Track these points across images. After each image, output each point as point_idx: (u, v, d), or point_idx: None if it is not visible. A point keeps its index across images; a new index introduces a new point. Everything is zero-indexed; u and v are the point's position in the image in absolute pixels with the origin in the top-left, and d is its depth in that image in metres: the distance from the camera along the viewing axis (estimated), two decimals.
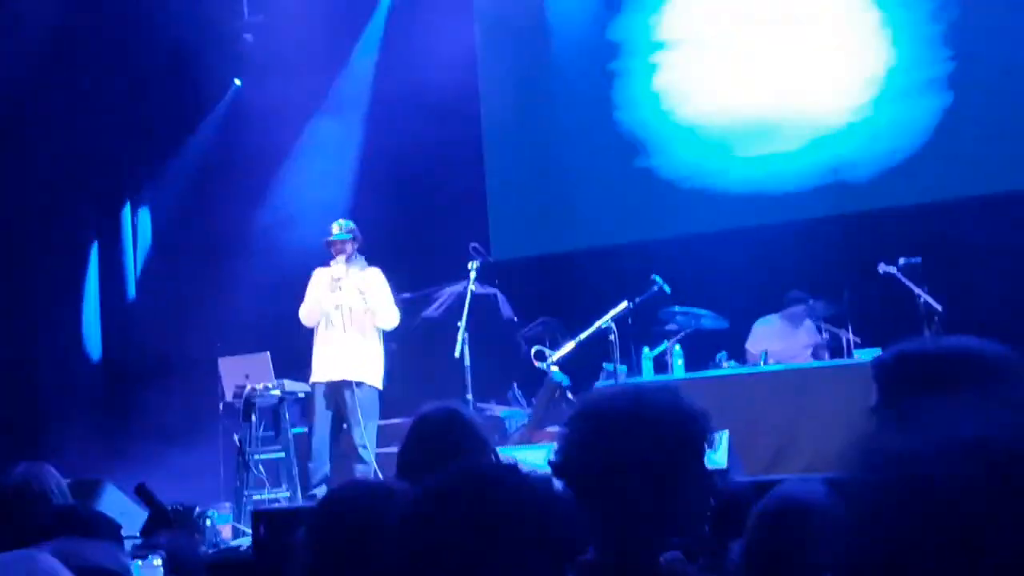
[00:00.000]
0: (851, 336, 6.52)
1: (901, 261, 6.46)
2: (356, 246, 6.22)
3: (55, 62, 8.47)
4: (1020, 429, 0.70)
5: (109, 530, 2.38)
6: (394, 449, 6.15)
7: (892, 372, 1.74)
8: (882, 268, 6.49)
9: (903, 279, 6.43)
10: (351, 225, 6.25)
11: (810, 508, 1.83)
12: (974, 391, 0.77)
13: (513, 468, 1.43)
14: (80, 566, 1.69)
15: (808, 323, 7.03)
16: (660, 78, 8.48)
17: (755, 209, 8.01)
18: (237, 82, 9.19)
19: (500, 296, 7.94)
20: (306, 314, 6.19)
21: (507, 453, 4.93)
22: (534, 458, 4.53)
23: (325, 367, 6.08)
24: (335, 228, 6.21)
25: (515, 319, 7.96)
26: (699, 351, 6.86)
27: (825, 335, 6.86)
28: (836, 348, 6.74)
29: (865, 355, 5.98)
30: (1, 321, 8.54)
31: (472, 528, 1.26)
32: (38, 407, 8.30)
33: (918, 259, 6.42)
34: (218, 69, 9.01)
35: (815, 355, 6.85)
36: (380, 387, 6.21)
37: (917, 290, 6.36)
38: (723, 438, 4.36)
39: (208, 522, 5.14)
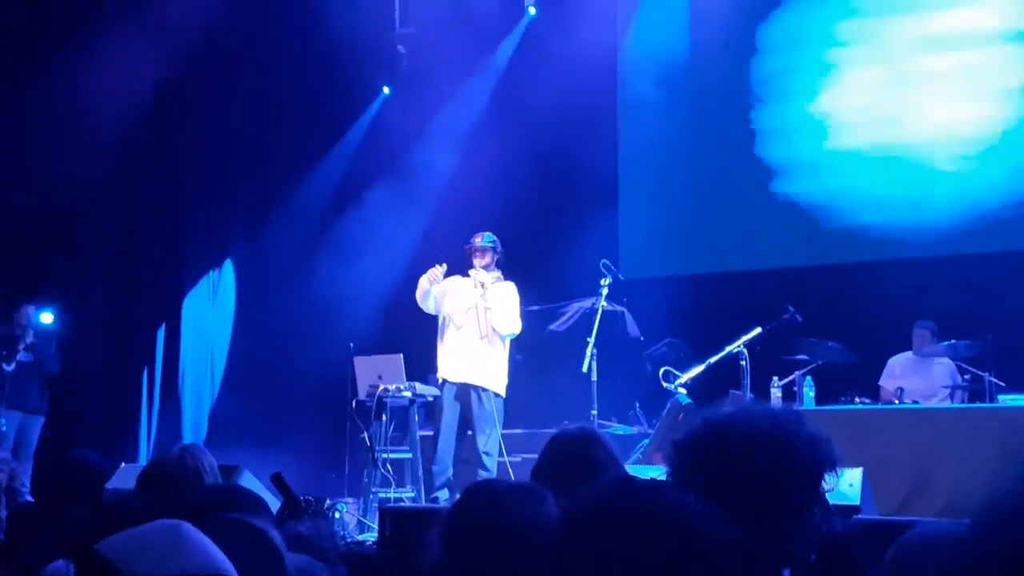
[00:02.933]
0: (994, 380, 6.25)
1: None
2: (496, 258, 6.34)
3: (208, 65, 8.92)
4: None
5: (263, 509, 2.50)
6: (516, 458, 6.26)
7: None
8: None
9: None
10: (493, 238, 6.37)
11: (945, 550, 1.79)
12: None
13: (665, 485, 1.43)
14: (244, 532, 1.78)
15: (946, 362, 6.77)
16: (803, 103, 8.33)
17: (897, 242, 7.78)
18: (386, 90, 9.48)
19: (628, 315, 7.93)
20: (418, 293, 6.28)
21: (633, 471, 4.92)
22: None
23: (452, 368, 6.20)
24: (479, 237, 6.34)
25: (641, 338, 7.93)
26: (828, 384, 6.69)
27: (967, 376, 6.60)
28: (978, 391, 6.47)
29: (1010, 400, 5.72)
30: (149, 313, 9.04)
31: (632, 546, 1.27)
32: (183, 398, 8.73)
33: None
34: (368, 77, 9.32)
35: (952, 396, 6.59)
36: (504, 395, 6.29)
37: None
38: (858, 475, 4.25)
39: (337, 515, 5.30)
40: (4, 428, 7.64)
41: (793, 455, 1.67)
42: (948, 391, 6.66)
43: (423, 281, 6.28)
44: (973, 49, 7.83)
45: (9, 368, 7.78)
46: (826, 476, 1.70)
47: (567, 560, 1.30)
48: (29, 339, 7.81)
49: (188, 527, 1.44)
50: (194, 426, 8.55)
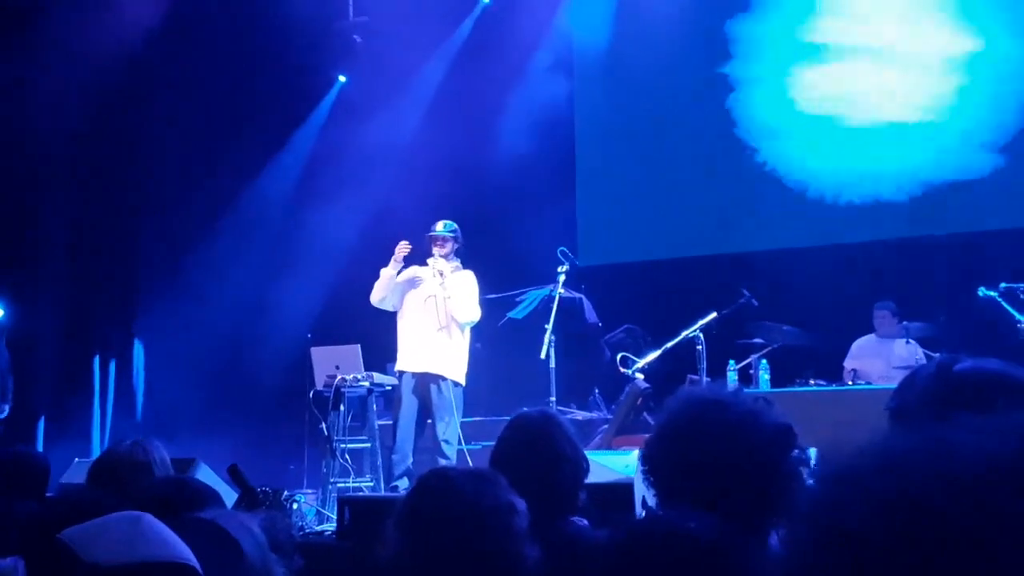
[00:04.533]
0: None
1: (1003, 286, 6.29)
2: (455, 247, 6.33)
3: (160, 58, 8.78)
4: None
5: (216, 501, 2.48)
6: (475, 446, 6.27)
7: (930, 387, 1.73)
8: (982, 291, 6.32)
9: (1004, 304, 6.26)
10: (454, 226, 6.35)
11: None
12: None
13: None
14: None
15: (907, 343, 6.88)
16: (761, 90, 8.40)
17: (852, 225, 7.89)
18: (342, 79, 9.40)
19: (586, 301, 7.96)
20: (375, 289, 6.22)
21: (592, 457, 4.94)
22: (614, 463, 4.54)
23: (411, 358, 6.19)
24: (439, 225, 6.31)
25: (599, 325, 7.97)
26: (785, 367, 6.78)
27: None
28: None
29: None
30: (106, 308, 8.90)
31: None
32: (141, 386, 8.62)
33: (1021, 285, 6.24)
34: (324, 66, 9.24)
35: None
36: (463, 383, 6.29)
37: (1019, 316, 6.19)
38: (812, 455, 4.30)
39: (295, 506, 5.28)
40: None
41: (759, 439, 1.71)
42: (907, 371, 6.74)
43: (385, 272, 6.23)
44: (929, 34, 7.94)
45: None
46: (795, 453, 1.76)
47: None
48: None
49: (150, 518, 1.44)
50: (150, 419, 8.45)
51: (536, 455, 2.52)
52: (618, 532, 1.47)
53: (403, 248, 6.19)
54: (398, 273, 6.26)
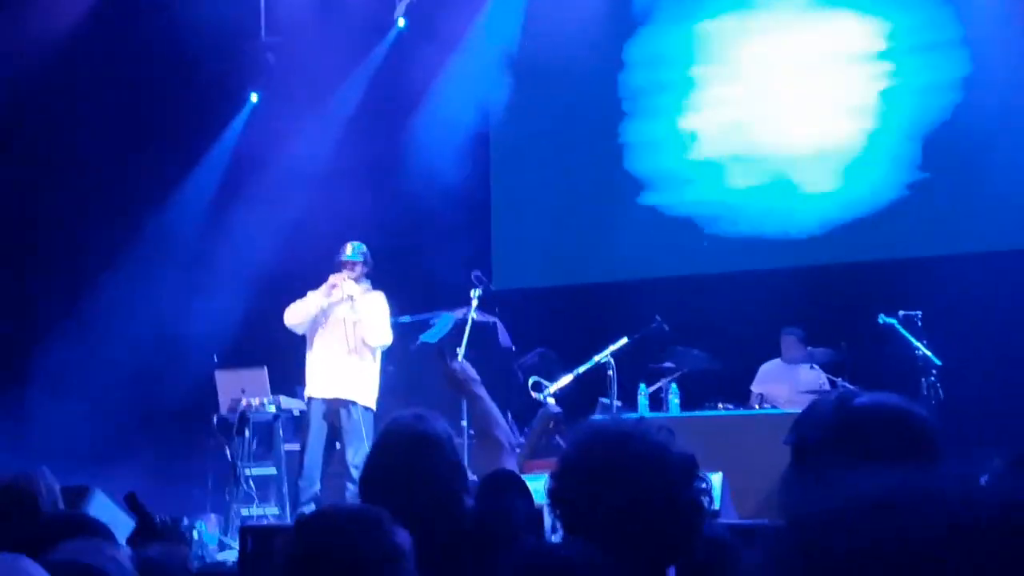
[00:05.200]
0: (848, 386, 6.52)
1: (901, 313, 6.49)
2: (365, 270, 6.26)
3: (61, 72, 8.49)
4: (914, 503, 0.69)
5: (106, 536, 2.37)
6: None
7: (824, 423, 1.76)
8: (882, 319, 6.51)
9: (902, 331, 6.45)
10: (363, 248, 6.29)
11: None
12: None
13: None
14: (80, 564, 1.69)
15: (811, 368, 7.04)
16: (670, 118, 8.55)
17: (759, 253, 8.06)
18: (254, 98, 9.25)
19: (499, 325, 7.95)
20: (295, 310, 6.12)
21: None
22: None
23: (320, 383, 6.09)
24: (348, 249, 6.24)
25: (513, 348, 7.96)
26: (695, 391, 6.87)
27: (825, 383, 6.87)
28: None
29: None
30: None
31: None
32: (31, 410, 8.27)
33: (918, 312, 6.45)
34: (235, 84, 9.08)
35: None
36: (374, 408, 6.21)
37: (916, 342, 6.39)
38: (718, 480, 4.36)
39: (195, 534, 5.12)
40: None
41: (668, 474, 1.71)
42: (812, 396, 6.89)
43: (316, 298, 6.10)
44: (828, 68, 8.19)
45: None
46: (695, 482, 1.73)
47: None
48: None
49: (27, 561, 1.40)
50: (43, 444, 8.10)
51: (406, 475, 2.39)
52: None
53: (340, 278, 6.09)
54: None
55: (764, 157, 8.24)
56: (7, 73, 7.90)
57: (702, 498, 1.81)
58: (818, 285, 7.73)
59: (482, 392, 2.97)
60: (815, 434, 1.74)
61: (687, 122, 8.51)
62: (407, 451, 2.43)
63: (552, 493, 1.80)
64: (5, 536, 2.50)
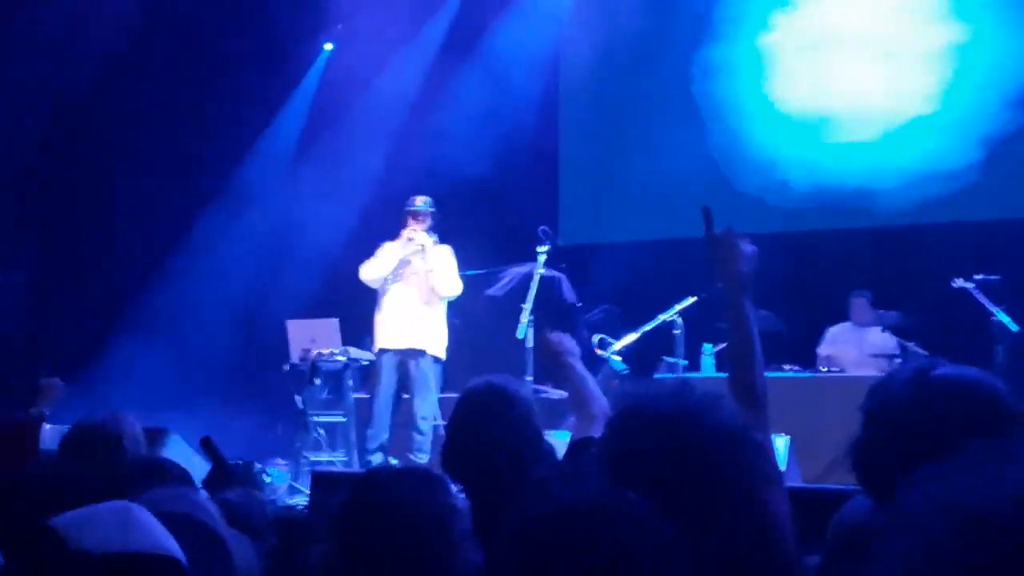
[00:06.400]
0: (918, 350, 6.42)
1: (978, 277, 6.33)
2: (432, 223, 6.31)
3: (135, 32, 8.60)
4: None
5: (187, 481, 2.47)
6: None
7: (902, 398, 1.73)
8: (957, 283, 6.37)
9: (978, 296, 6.30)
10: (432, 202, 6.34)
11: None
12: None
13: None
14: (169, 512, 1.76)
15: (881, 331, 6.93)
16: (745, 76, 8.39)
17: (830, 213, 7.91)
18: (328, 47, 9.28)
19: (565, 280, 7.95)
20: (373, 266, 6.21)
21: (560, 437, 4.95)
22: None
23: (391, 334, 6.18)
24: (418, 200, 6.29)
25: (578, 304, 7.97)
26: (762, 351, 6.80)
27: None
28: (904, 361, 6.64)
29: None
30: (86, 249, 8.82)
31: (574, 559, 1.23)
32: (115, 357, 8.56)
33: (996, 277, 6.28)
34: (310, 34, 9.14)
35: (888, 364, 6.69)
36: (443, 358, 6.29)
37: (992, 308, 6.24)
38: (784, 443, 4.34)
39: (267, 479, 5.27)
40: None
41: (723, 446, 1.67)
42: (882, 360, 6.77)
43: (394, 250, 6.17)
44: (906, 22, 7.94)
45: None
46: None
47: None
48: None
49: (139, 508, 1.47)
50: (124, 386, 8.40)
51: (486, 432, 2.44)
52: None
53: (413, 230, 6.16)
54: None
55: (837, 115, 8.05)
56: (89, 36, 8.05)
57: (755, 459, 1.74)
58: (890, 247, 7.57)
59: (578, 365, 2.96)
60: (891, 403, 1.73)
61: (761, 79, 8.34)
62: (487, 418, 2.48)
63: (601, 456, 1.78)
64: (94, 476, 2.61)
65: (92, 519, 1.40)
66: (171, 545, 1.41)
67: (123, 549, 1.35)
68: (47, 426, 6.15)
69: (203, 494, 2.46)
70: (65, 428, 4.47)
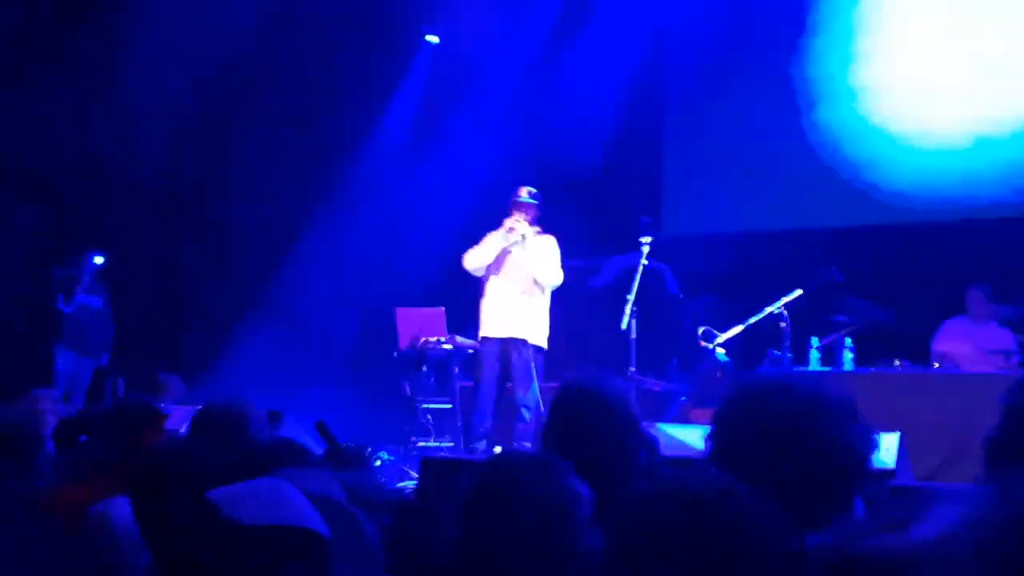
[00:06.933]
0: None
1: None
2: (537, 214, 6.38)
3: (245, 39, 8.83)
4: None
5: (315, 463, 2.58)
6: None
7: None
8: None
9: None
10: (537, 193, 6.41)
11: None
12: None
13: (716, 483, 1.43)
14: (306, 490, 1.87)
15: (999, 327, 6.70)
16: (853, 65, 8.20)
17: (943, 204, 7.69)
18: (434, 39, 9.40)
19: (668, 272, 7.93)
20: (475, 255, 6.31)
21: (664, 429, 4.96)
22: (690, 437, 4.55)
23: (495, 323, 6.27)
24: (523, 192, 6.37)
25: (681, 296, 7.94)
26: (871, 346, 6.67)
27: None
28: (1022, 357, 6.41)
29: None
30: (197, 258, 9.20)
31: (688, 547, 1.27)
32: (227, 340, 8.91)
33: None
34: (413, 27, 9.29)
35: (1008, 361, 6.47)
36: (545, 347, 6.36)
37: None
38: (895, 440, 4.27)
39: (378, 462, 5.43)
40: (61, 368, 7.88)
41: (835, 444, 1.66)
42: (999, 356, 6.56)
43: (495, 242, 6.27)
44: (1013, 16, 7.64)
45: (68, 310, 8.00)
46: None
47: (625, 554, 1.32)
48: (87, 282, 8.04)
49: (288, 486, 1.58)
50: (236, 370, 8.74)
51: (582, 426, 2.44)
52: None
53: (515, 220, 6.25)
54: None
55: (948, 99, 7.79)
56: (201, 43, 8.38)
57: (863, 445, 1.73)
58: (1010, 238, 7.29)
59: None
60: None
61: (867, 65, 8.13)
62: (584, 410, 2.50)
63: (710, 443, 1.79)
64: (223, 456, 2.76)
65: (246, 494, 1.50)
66: (317, 520, 1.50)
67: (275, 522, 1.44)
68: (171, 407, 6.46)
69: (329, 474, 2.57)
70: (192, 410, 4.70)
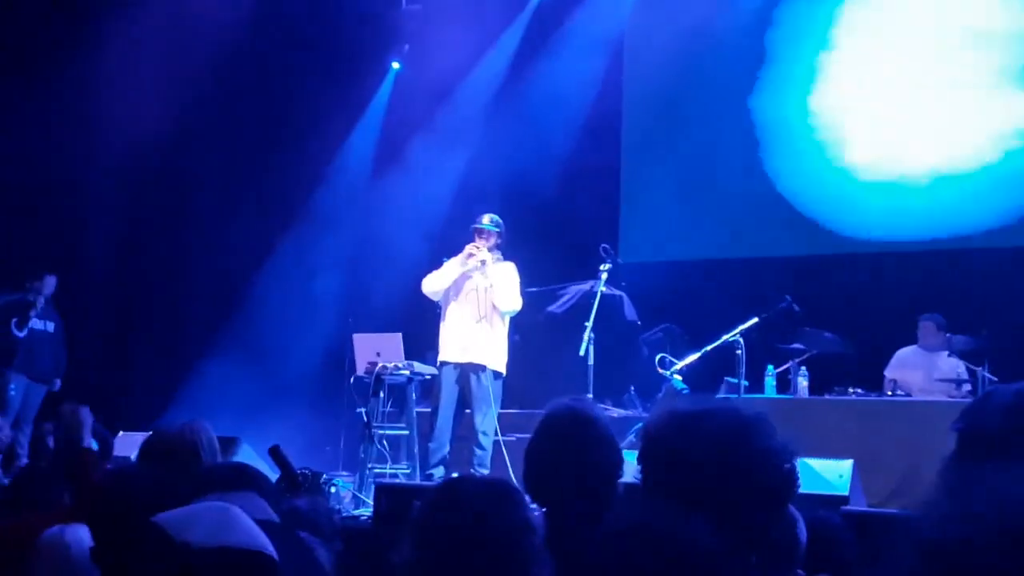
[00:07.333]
0: (987, 375, 6.30)
1: None
2: (498, 242, 6.39)
3: (211, 66, 8.82)
4: None
5: (269, 489, 2.55)
6: (511, 437, 6.32)
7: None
8: None
9: None
10: (499, 220, 6.42)
11: None
12: None
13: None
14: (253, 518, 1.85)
15: (948, 356, 6.81)
16: (808, 97, 8.35)
17: (896, 233, 7.82)
18: (395, 66, 9.44)
19: (626, 299, 7.98)
20: (434, 279, 6.29)
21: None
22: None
23: (454, 348, 6.26)
24: (485, 219, 6.38)
25: (638, 323, 7.98)
26: (825, 374, 6.75)
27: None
28: (972, 386, 6.52)
29: None
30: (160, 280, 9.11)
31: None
32: (183, 366, 8.80)
33: None
34: (377, 53, 9.31)
35: (959, 390, 6.56)
36: (504, 373, 6.36)
37: None
38: (848, 466, 4.32)
39: (333, 489, 5.37)
40: (12, 393, 7.75)
41: (757, 468, 1.68)
42: (950, 385, 6.64)
43: (453, 266, 6.27)
44: (970, 45, 7.83)
45: (21, 335, 7.87)
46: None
47: None
48: (41, 306, 7.92)
49: (236, 510, 1.57)
50: (192, 395, 8.63)
51: (566, 455, 2.50)
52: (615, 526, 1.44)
53: (476, 247, 6.25)
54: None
55: (902, 133, 7.95)
56: (167, 72, 8.35)
57: (786, 457, 1.73)
58: (958, 269, 7.44)
59: None
60: (989, 424, 1.72)
61: (822, 97, 8.29)
62: (572, 433, 2.52)
63: (640, 475, 1.80)
64: (173, 481, 2.71)
65: (193, 517, 1.50)
66: (265, 542, 1.50)
67: (224, 543, 1.44)
68: (121, 433, 6.35)
69: (264, 502, 2.53)
70: (135, 436, 4.62)
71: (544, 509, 2.41)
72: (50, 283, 7.99)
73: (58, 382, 8.10)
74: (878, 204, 7.97)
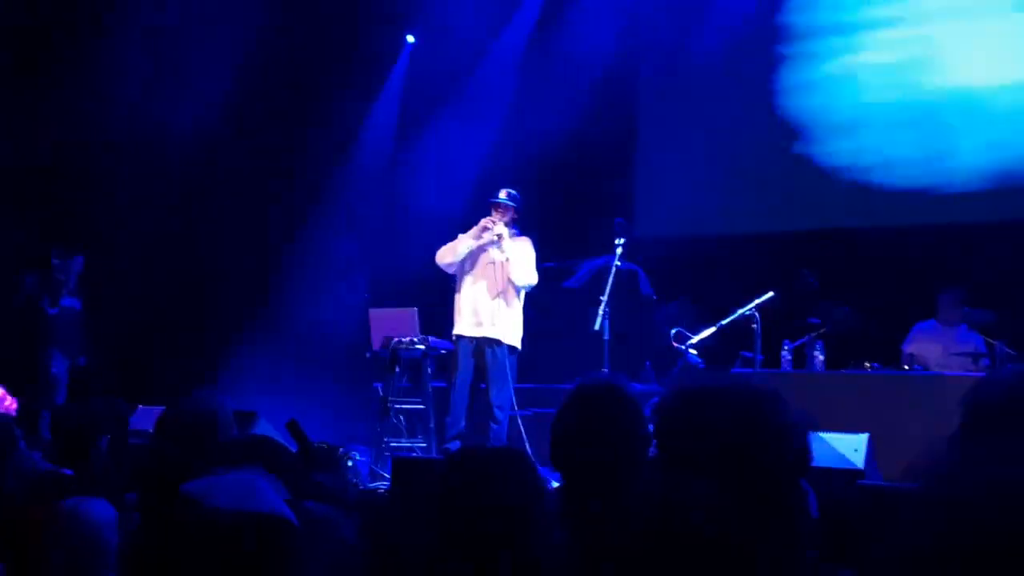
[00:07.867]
0: (1007, 349, 6.26)
1: None
2: (514, 216, 6.39)
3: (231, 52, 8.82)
4: None
5: (290, 463, 2.57)
6: (527, 412, 6.35)
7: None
8: None
9: None
10: (516, 194, 6.43)
11: None
12: None
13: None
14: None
15: (967, 330, 6.77)
16: (826, 65, 8.26)
17: (916, 207, 7.76)
18: (410, 39, 9.40)
19: (641, 273, 7.96)
20: (448, 251, 6.31)
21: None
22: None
23: (468, 323, 6.28)
24: (501, 193, 6.38)
25: (654, 297, 7.96)
26: (842, 349, 6.72)
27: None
28: (990, 360, 6.48)
29: None
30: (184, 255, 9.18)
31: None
32: (204, 339, 8.86)
33: None
34: (391, 27, 9.28)
35: (976, 364, 6.53)
36: (519, 348, 6.37)
37: None
38: (863, 440, 4.31)
39: (350, 463, 5.42)
40: (55, 371, 7.89)
41: (771, 444, 1.69)
42: (966, 359, 6.61)
43: (467, 239, 6.27)
44: (996, 12, 7.72)
45: (54, 312, 7.99)
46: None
47: None
48: (72, 285, 8.04)
49: (259, 478, 1.66)
50: (212, 371, 8.70)
51: (597, 427, 2.50)
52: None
53: (491, 220, 6.26)
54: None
55: (926, 106, 7.86)
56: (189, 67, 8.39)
57: (800, 430, 1.74)
58: (978, 243, 7.38)
59: None
60: (997, 400, 1.72)
61: (844, 67, 8.20)
62: (606, 404, 2.53)
63: (655, 449, 1.81)
64: (196, 452, 2.74)
65: (220, 485, 1.56)
66: (287, 510, 1.56)
67: (250, 508, 1.49)
68: (139, 406, 6.41)
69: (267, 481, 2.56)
70: (158, 410, 4.66)
71: (563, 480, 2.42)
72: (78, 262, 8.12)
73: (83, 358, 8.23)
74: (899, 176, 7.89)
